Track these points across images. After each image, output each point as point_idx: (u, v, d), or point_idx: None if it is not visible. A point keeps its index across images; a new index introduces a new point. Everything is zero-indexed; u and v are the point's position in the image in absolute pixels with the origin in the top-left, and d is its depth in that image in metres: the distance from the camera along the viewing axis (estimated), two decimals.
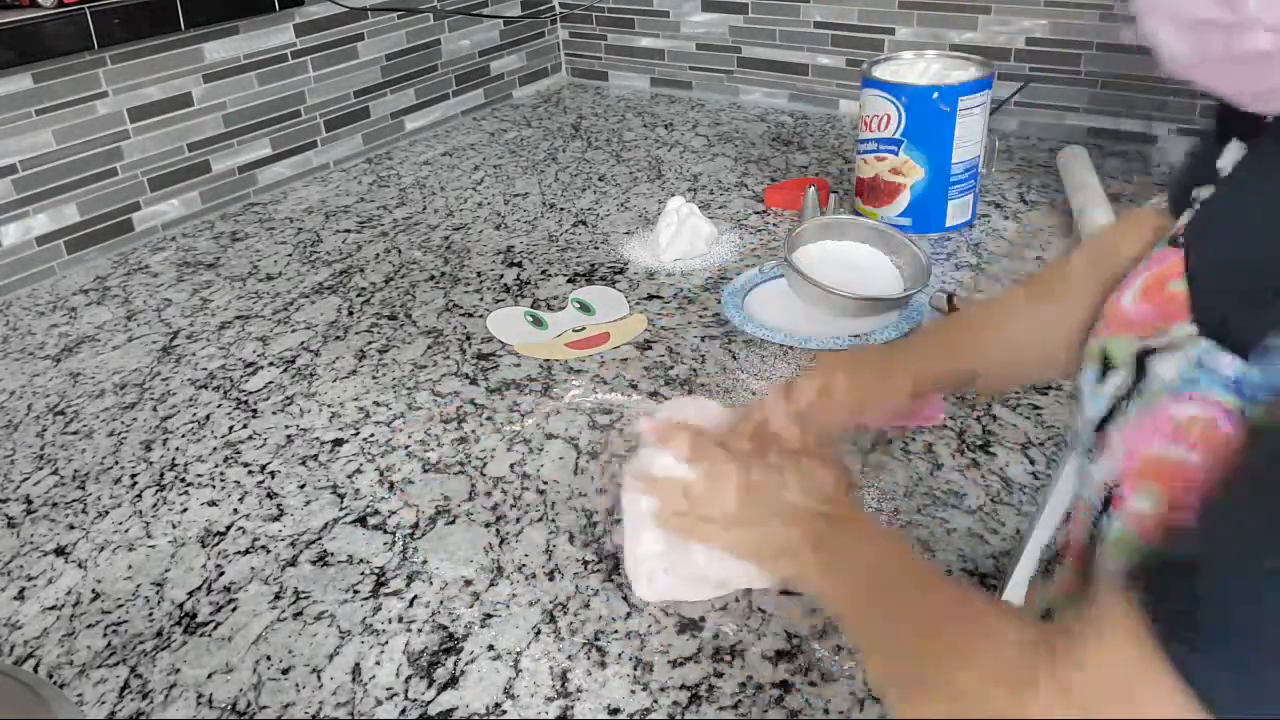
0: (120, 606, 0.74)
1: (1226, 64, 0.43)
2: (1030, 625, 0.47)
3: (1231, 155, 0.51)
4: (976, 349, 0.71)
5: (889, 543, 0.58)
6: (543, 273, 1.20)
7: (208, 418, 0.96)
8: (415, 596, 0.73)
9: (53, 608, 0.74)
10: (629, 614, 0.70)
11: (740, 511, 0.60)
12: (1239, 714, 0.35)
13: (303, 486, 0.85)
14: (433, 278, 1.21)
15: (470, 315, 1.11)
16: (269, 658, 0.69)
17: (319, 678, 0.67)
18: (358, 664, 0.68)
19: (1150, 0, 0.44)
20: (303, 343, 1.08)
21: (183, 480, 0.87)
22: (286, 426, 0.94)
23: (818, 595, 0.58)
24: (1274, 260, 0.43)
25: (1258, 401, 0.40)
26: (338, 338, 1.08)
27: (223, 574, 0.76)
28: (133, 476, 0.88)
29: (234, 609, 0.73)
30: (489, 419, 0.93)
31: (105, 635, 0.71)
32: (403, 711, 0.64)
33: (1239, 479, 0.39)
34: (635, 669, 0.66)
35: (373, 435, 0.91)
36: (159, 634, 0.71)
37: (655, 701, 0.63)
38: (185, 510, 0.84)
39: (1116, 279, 0.56)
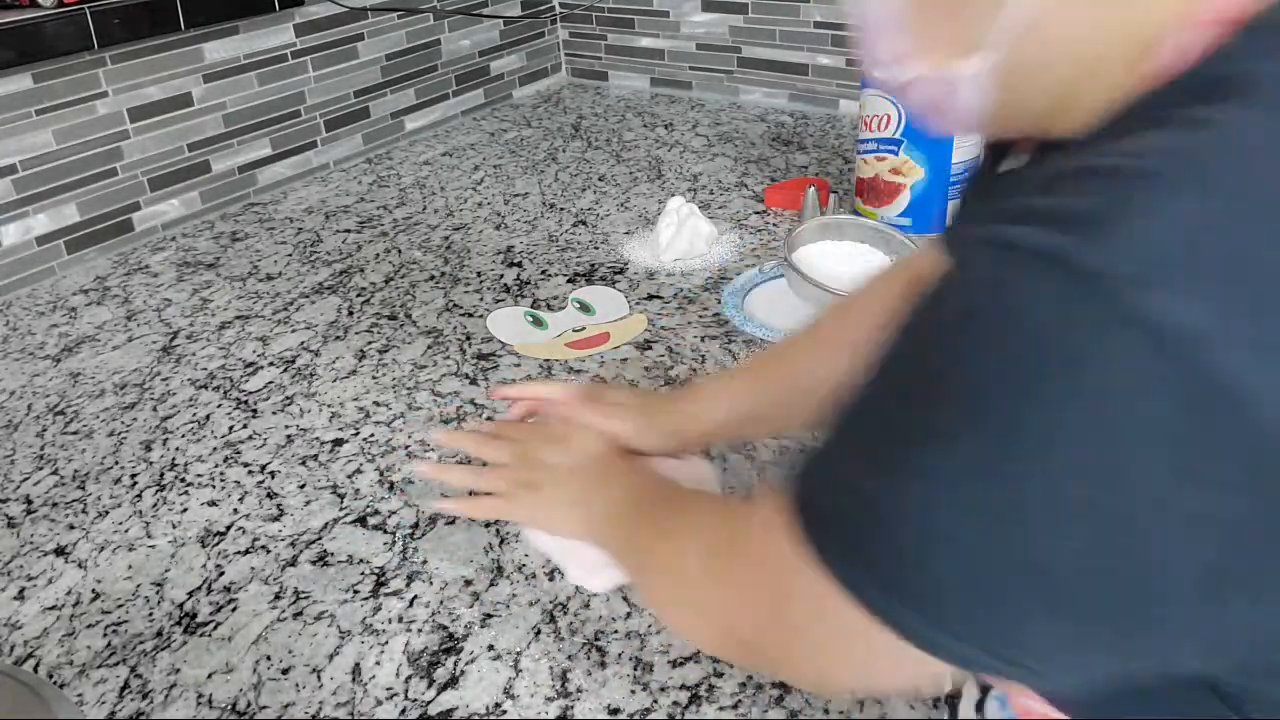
0: (120, 606, 0.74)
1: (898, 92, 0.50)
2: (721, 503, 0.63)
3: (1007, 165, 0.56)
4: (773, 393, 0.76)
5: (639, 489, 0.67)
6: (543, 273, 1.20)
7: (208, 418, 0.96)
8: (415, 596, 0.73)
9: (53, 608, 0.74)
10: (629, 614, 0.70)
11: (501, 484, 0.71)
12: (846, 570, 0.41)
13: (303, 486, 0.85)
14: (433, 278, 1.21)
15: (470, 315, 1.11)
16: (269, 658, 0.69)
17: (319, 678, 0.67)
18: (358, 664, 0.68)
19: (858, 44, 0.51)
20: (303, 343, 1.08)
21: (183, 480, 0.87)
22: (286, 426, 0.94)
23: (598, 542, 0.66)
24: None
25: None
26: (338, 338, 1.09)
27: (223, 574, 0.76)
28: (133, 476, 0.88)
29: (234, 609, 0.73)
30: (489, 419, 0.93)
31: (105, 635, 0.71)
32: (403, 711, 0.64)
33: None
34: (635, 669, 0.66)
35: (373, 435, 0.91)
36: (159, 634, 0.71)
37: (655, 701, 0.63)
38: (185, 510, 0.84)
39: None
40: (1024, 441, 0.34)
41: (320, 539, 0.79)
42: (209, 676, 0.67)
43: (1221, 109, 0.36)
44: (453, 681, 0.66)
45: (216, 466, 0.89)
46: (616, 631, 0.68)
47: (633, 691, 0.64)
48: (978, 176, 0.62)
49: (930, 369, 0.38)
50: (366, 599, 0.73)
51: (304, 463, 0.88)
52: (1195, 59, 0.38)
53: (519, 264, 1.23)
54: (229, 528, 0.81)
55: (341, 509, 0.82)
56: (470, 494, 0.73)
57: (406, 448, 0.89)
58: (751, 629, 0.50)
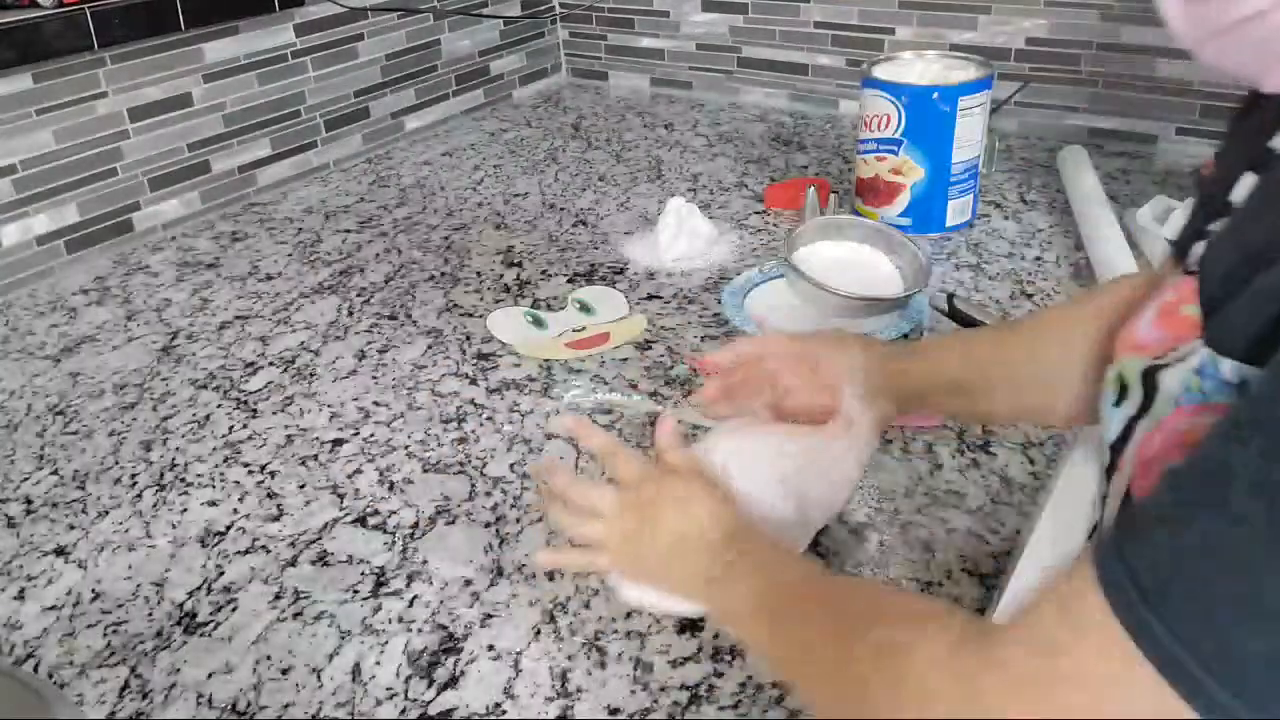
0: (120, 606, 0.74)
1: (1226, 36, 0.43)
2: (940, 609, 0.47)
3: (1243, 188, 0.50)
4: (983, 375, 0.71)
5: (779, 567, 0.58)
6: (543, 273, 1.20)
7: (208, 418, 0.96)
8: (415, 596, 0.73)
9: (53, 608, 0.74)
10: (629, 614, 0.70)
11: (630, 551, 0.63)
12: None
13: (303, 486, 0.85)
14: (433, 278, 1.21)
15: (470, 315, 1.11)
16: (269, 658, 0.69)
17: (319, 678, 0.67)
18: (358, 664, 0.68)
19: None
20: (303, 343, 1.08)
21: (183, 480, 0.87)
22: (286, 426, 0.94)
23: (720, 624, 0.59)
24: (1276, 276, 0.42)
25: None
26: (338, 338, 1.09)
27: (223, 574, 0.76)
28: (133, 476, 0.88)
29: (234, 609, 0.73)
30: (489, 419, 0.93)
31: (105, 635, 0.71)
32: (403, 711, 0.64)
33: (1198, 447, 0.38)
34: (635, 669, 0.66)
35: (373, 435, 0.91)
36: (159, 634, 0.71)
37: (655, 701, 0.63)
38: (185, 510, 0.84)
39: (1122, 320, 0.55)
40: None
41: (320, 539, 0.79)
42: (209, 676, 0.67)
43: None
44: (453, 681, 0.66)
45: (216, 466, 0.89)
46: (616, 631, 0.68)
47: (633, 691, 0.64)
48: (1206, 209, 0.53)
49: None
50: (366, 599, 0.73)
51: (304, 463, 0.88)
52: None
53: (519, 264, 1.23)
54: (229, 528, 0.81)
55: (341, 509, 0.82)
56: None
57: (407, 448, 0.89)
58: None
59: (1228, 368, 0.40)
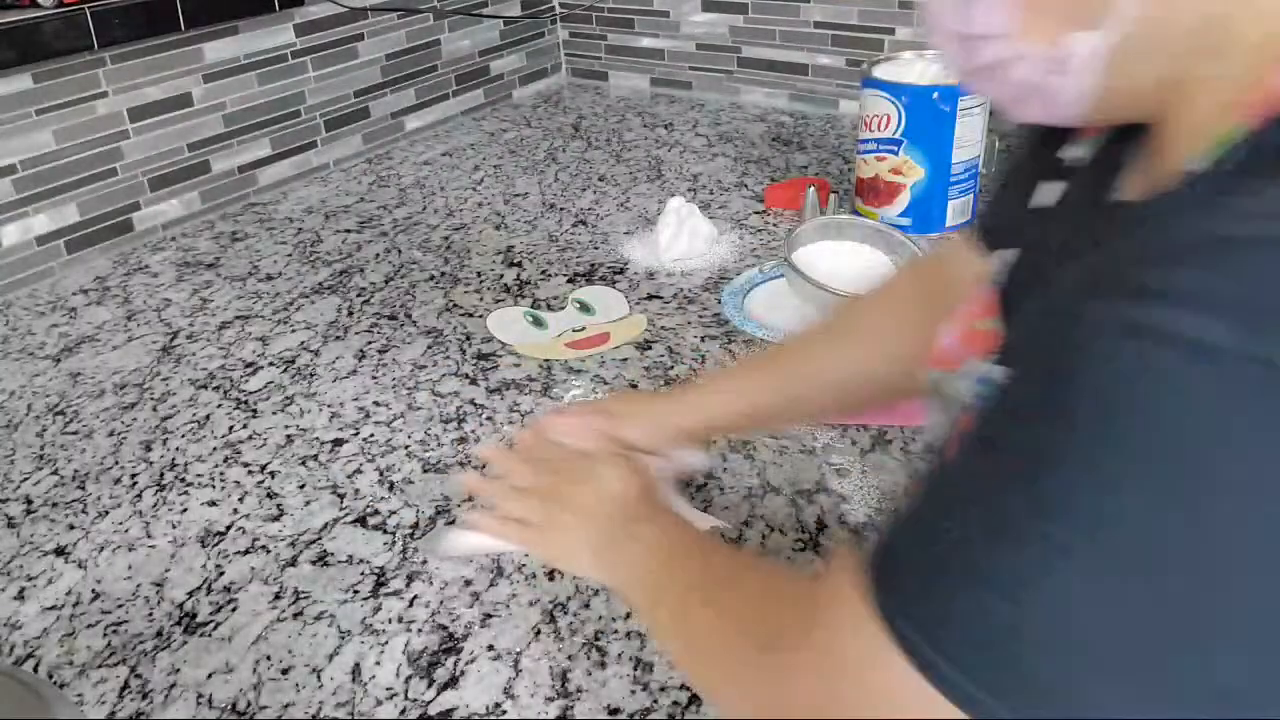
0: (120, 606, 0.74)
1: (980, 74, 0.47)
2: (789, 581, 0.53)
3: (1046, 195, 0.53)
4: (782, 386, 0.74)
5: (668, 539, 0.62)
6: (543, 273, 1.20)
7: (208, 418, 0.96)
8: (415, 596, 0.73)
9: (53, 608, 0.74)
10: (629, 614, 0.70)
11: (533, 515, 0.68)
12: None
13: (303, 486, 0.85)
14: (433, 278, 1.21)
15: (470, 315, 1.11)
16: (269, 658, 0.69)
17: (319, 678, 0.67)
18: (358, 664, 0.68)
19: (931, 17, 0.48)
20: (303, 343, 1.08)
21: (183, 480, 0.87)
22: (286, 426, 0.94)
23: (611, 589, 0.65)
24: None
25: None
26: (338, 338, 1.08)
27: (223, 574, 0.76)
28: (133, 476, 0.88)
29: (234, 609, 0.73)
30: (489, 419, 0.93)
31: (105, 635, 0.71)
32: (403, 711, 0.64)
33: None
34: (635, 669, 0.66)
35: (373, 435, 0.91)
36: (159, 634, 0.71)
37: (655, 701, 0.63)
38: (185, 510, 0.84)
39: (941, 306, 0.60)
40: (1177, 548, 0.32)
41: (320, 539, 0.79)
42: (209, 676, 0.67)
43: None
44: (453, 681, 0.66)
45: (216, 466, 0.89)
46: (616, 631, 0.68)
47: (633, 691, 0.64)
48: (1006, 204, 0.58)
49: (1058, 458, 0.34)
50: (366, 599, 0.73)
51: (304, 463, 0.88)
52: None
53: (519, 264, 1.23)
54: (229, 528, 0.81)
55: (341, 509, 0.82)
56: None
57: (407, 448, 0.89)
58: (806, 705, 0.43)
59: (999, 373, 0.41)
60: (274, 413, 0.96)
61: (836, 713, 0.41)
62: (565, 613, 0.70)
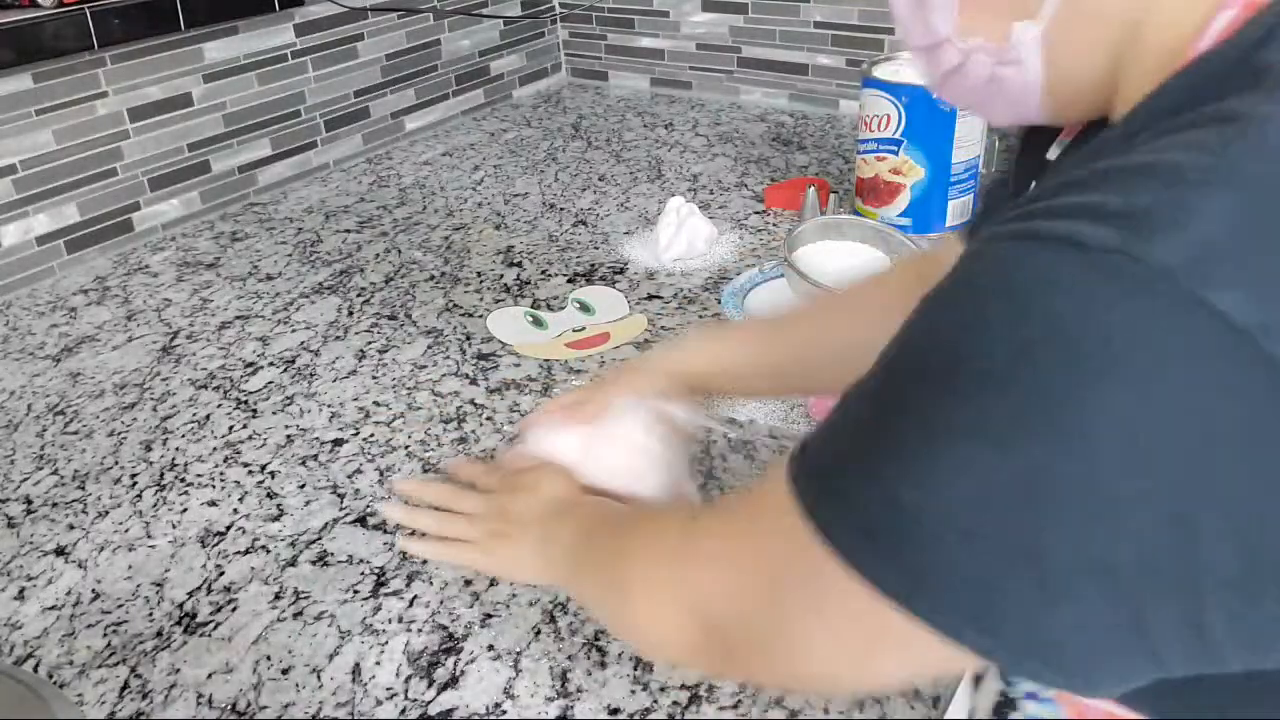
0: (120, 606, 0.74)
1: (947, 81, 0.50)
2: (687, 507, 0.58)
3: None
4: (794, 357, 0.75)
5: (596, 514, 0.65)
6: (543, 273, 1.20)
7: (208, 418, 0.96)
8: (415, 596, 0.73)
9: (53, 608, 0.74)
10: None
11: (473, 532, 0.70)
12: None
13: (303, 486, 0.85)
14: (433, 278, 1.21)
15: (470, 315, 1.11)
16: (269, 658, 0.69)
17: (319, 678, 0.67)
18: (358, 664, 0.68)
19: (902, 34, 0.52)
20: (303, 343, 1.08)
21: (183, 480, 0.87)
22: (286, 426, 0.94)
23: (560, 583, 0.66)
24: None
25: None
26: (338, 338, 1.09)
27: (223, 574, 0.76)
28: (133, 476, 0.88)
29: (234, 609, 0.73)
30: (489, 419, 0.93)
31: (105, 635, 0.71)
32: (403, 711, 0.64)
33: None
34: (635, 669, 0.66)
35: (373, 435, 0.91)
36: (159, 634, 0.71)
37: (655, 701, 0.63)
38: (185, 510, 0.84)
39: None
40: (1064, 429, 0.34)
41: (320, 539, 0.79)
42: (209, 676, 0.67)
43: (1251, 102, 0.36)
44: (453, 681, 0.66)
45: (216, 466, 0.89)
46: None
47: (633, 691, 0.64)
48: (1014, 163, 0.61)
49: (963, 353, 0.37)
50: (366, 599, 0.73)
51: (304, 463, 0.88)
52: (1220, 42, 0.39)
53: (519, 264, 1.23)
54: (229, 528, 0.81)
55: (341, 509, 0.82)
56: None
57: (407, 448, 0.89)
58: (732, 612, 0.46)
59: None
60: (274, 413, 0.96)
61: (763, 599, 0.44)
62: (565, 613, 0.70)
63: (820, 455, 0.43)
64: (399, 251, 1.28)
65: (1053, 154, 0.53)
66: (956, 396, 0.36)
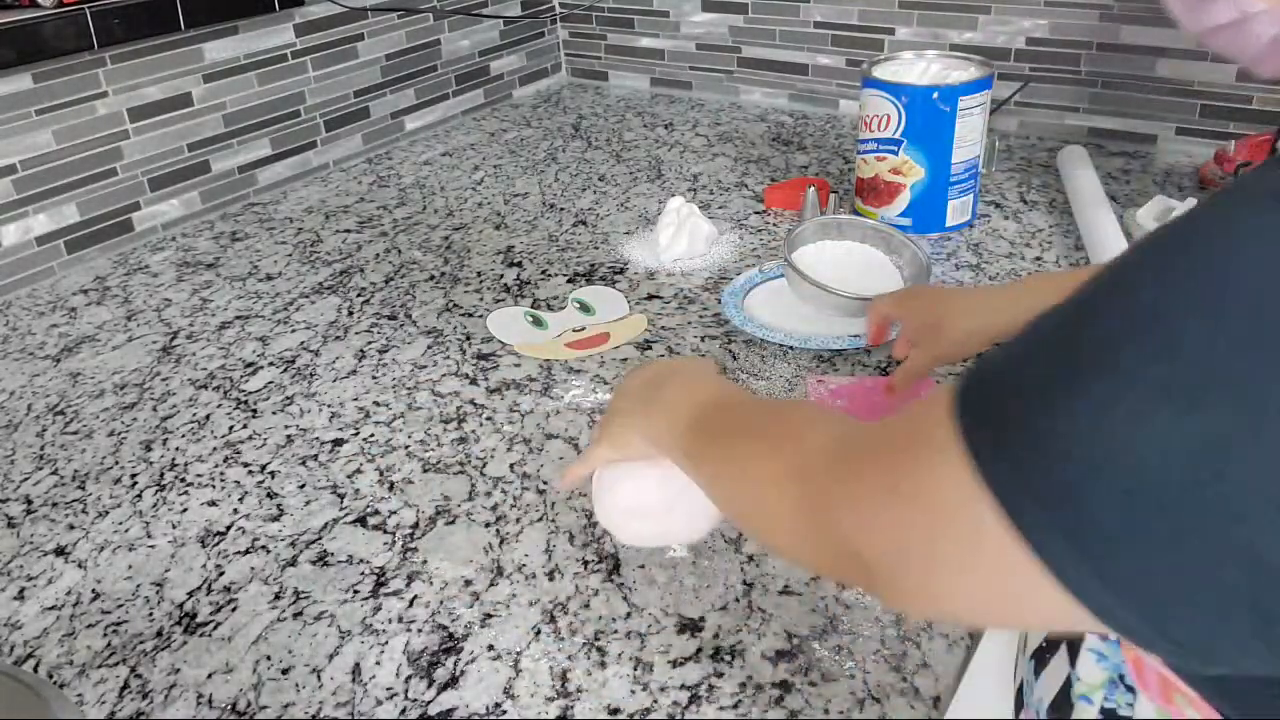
0: (120, 606, 0.74)
1: (1216, 35, 0.49)
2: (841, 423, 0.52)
3: None
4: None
5: (717, 385, 0.63)
6: (543, 273, 1.20)
7: (208, 418, 0.96)
8: (415, 596, 0.73)
9: (53, 608, 0.74)
10: (629, 614, 0.70)
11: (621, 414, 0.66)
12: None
13: (303, 486, 0.85)
14: (433, 278, 1.21)
15: (470, 315, 1.11)
16: (269, 658, 0.69)
17: (319, 678, 0.67)
18: (358, 664, 0.68)
19: None
20: (303, 343, 1.08)
21: (183, 480, 0.87)
22: (286, 426, 0.94)
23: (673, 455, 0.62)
24: None
25: None
26: (338, 338, 1.09)
27: (223, 574, 0.76)
28: (133, 476, 0.88)
29: (234, 609, 0.73)
30: (489, 419, 0.93)
31: (105, 635, 0.71)
32: (403, 711, 0.64)
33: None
34: (635, 669, 0.66)
35: (373, 435, 0.91)
36: (159, 634, 0.71)
37: (655, 701, 0.63)
38: (185, 510, 0.84)
39: None
40: (1246, 390, 0.31)
41: (320, 539, 0.79)
42: (209, 676, 0.67)
43: None
44: (453, 681, 0.66)
45: (216, 466, 0.89)
46: (616, 631, 0.68)
47: (633, 691, 0.64)
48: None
49: (1149, 283, 0.34)
50: (366, 599, 0.73)
51: (304, 463, 0.88)
52: None
53: (519, 264, 1.23)
54: (229, 528, 0.81)
55: (341, 509, 0.82)
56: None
57: (407, 448, 0.89)
58: (879, 546, 0.43)
59: None
60: (274, 413, 0.96)
61: (915, 533, 0.41)
62: (565, 613, 0.70)
63: (997, 401, 0.38)
64: (399, 251, 1.28)
65: None
66: (1169, 357, 0.33)
